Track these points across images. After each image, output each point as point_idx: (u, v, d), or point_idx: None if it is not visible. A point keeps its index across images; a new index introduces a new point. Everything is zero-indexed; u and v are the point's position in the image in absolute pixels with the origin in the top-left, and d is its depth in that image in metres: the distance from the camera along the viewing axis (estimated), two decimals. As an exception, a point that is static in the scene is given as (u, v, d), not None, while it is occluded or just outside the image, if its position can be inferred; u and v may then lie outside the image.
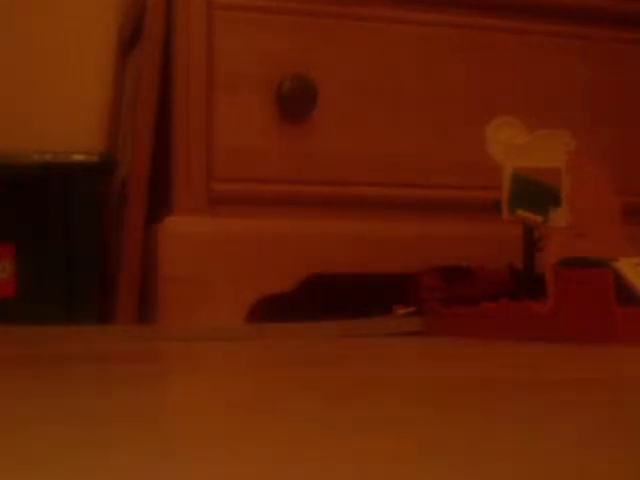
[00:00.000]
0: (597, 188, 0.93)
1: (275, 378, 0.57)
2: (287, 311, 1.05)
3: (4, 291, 1.11)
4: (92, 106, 1.37)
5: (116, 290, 1.10)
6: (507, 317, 0.90)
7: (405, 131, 1.15)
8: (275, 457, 0.29)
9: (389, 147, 1.14)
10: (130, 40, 1.28)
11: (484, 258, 1.07)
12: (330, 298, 1.16)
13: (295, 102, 1.09)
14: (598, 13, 1.23)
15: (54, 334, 0.92)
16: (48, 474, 0.26)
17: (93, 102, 1.37)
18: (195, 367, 0.68)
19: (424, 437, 0.33)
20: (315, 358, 0.73)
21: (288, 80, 1.09)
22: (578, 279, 0.84)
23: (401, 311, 1.04)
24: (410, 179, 1.15)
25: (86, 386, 0.52)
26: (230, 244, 1.07)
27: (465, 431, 0.34)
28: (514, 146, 0.94)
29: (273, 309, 1.08)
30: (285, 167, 1.10)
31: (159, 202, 1.10)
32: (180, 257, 1.05)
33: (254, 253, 1.08)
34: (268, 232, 1.09)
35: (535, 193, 0.92)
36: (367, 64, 1.14)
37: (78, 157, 1.15)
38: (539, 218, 0.92)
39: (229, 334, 0.96)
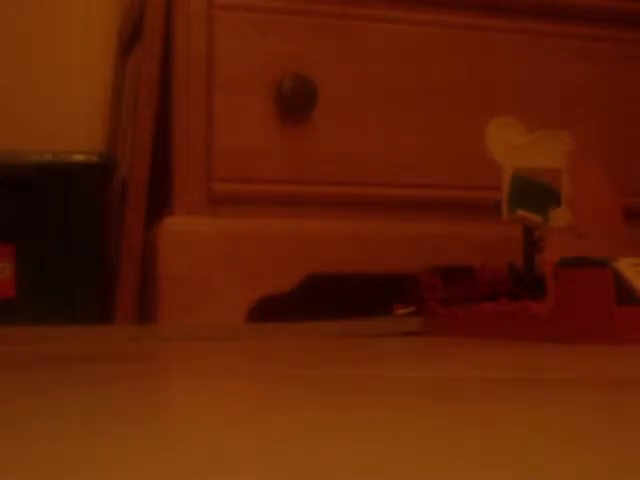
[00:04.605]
0: (597, 188, 0.93)
1: (275, 378, 0.57)
2: (287, 311, 1.05)
3: (4, 291, 1.11)
4: (92, 106, 1.37)
5: (116, 290, 1.10)
6: (507, 317, 0.90)
7: (405, 131, 1.15)
8: (273, 456, 0.29)
9: (389, 147, 1.14)
10: (130, 40, 1.28)
11: (484, 258, 1.07)
12: (330, 298, 1.16)
13: (295, 102, 1.09)
14: (598, 13, 1.23)
15: (54, 334, 0.92)
16: (46, 474, 0.26)
17: (93, 102, 1.37)
18: (195, 367, 0.68)
19: (423, 437, 0.33)
20: (315, 358, 0.73)
21: (288, 80, 1.09)
22: (578, 279, 0.84)
23: (401, 311, 1.04)
24: (410, 179, 1.15)
25: (86, 386, 0.52)
26: (230, 244, 1.07)
27: (465, 431, 0.34)
28: (514, 146, 0.94)
29: (273, 309, 1.08)
30: (285, 167, 1.10)
31: (159, 202, 1.10)
32: (180, 257, 1.05)
33: (254, 253, 1.08)
34: (268, 232, 1.09)
35: (535, 193, 0.92)
36: (367, 64, 1.14)
37: (78, 157, 1.15)
38: (539, 218, 0.92)
39: (229, 334, 0.96)
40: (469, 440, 0.32)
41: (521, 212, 0.93)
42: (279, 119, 1.10)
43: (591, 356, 0.71)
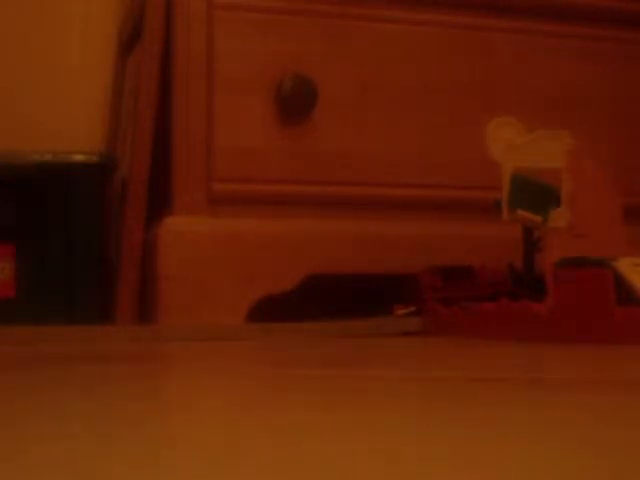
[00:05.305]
0: (597, 188, 0.93)
1: (275, 378, 0.57)
2: (287, 311, 1.05)
3: (4, 291, 1.11)
4: (92, 106, 1.37)
5: (116, 290, 1.11)
6: (507, 317, 0.90)
7: (405, 131, 1.15)
8: (273, 456, 0.29)
9: (389, 147, 1.14)
10: (130, 40, 1.28)
11: (484, 258, 1.07)
12: (330, 298, 1.16)
13: (295, 102, 1.09)
14: (598, 13, 1.23)
15: (54, 334, 0.92)
16: (47, 474, 0.26)
17: (93, 102, 1.37)
18: (195, 367, 0.68)
19: (423, 437, 0.33)
20: (315, 358, 0.73)
21: (288, 80, 1.09)
22: (578, 279, 0.84)
23: (401, 311, 1.04)
24: (410, 179, 1.15)
25: (86, 386, 0.52)
26: (230, 244, 1.07)
27: (464, 431, 0.34)
28: (514, 146, 0.94)
29: (273, 309, 1.08)
30: (285, 167, 1.10)
31: (159, 202, 1.10)
32: (180, 257, 1.05)
33: (254, 253, 1.08)
34: (268, 232, 1.09)
35: (535, 193, 0.92)
36: (367, 64, 1.14)
37: (78, 157, 1.15)
38: (539, 218, 0.92)
39: (229, 334, 0.96)
40: (468, 440, 0.32)
41: (521, 212, 0.93)
42: (279, 119, 1.10)
43: (591, 356, 0.71)
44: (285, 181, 1.11)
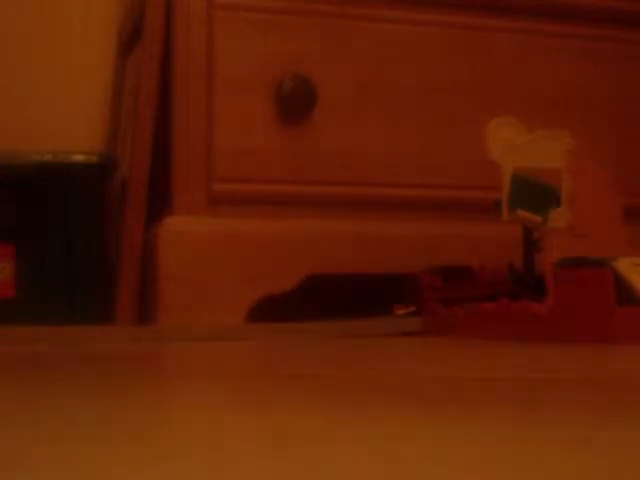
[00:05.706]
0: (597, 188, 0.93)
1: (274, 378, 0.57)
2: (287, 311, 1.05)
3: (4, 291, 1.11)
4: (92, 106, 1.37)
5: (116, 290, 1.10)
6: (507, 317, 0.90)
7: (405, 131, 1.15)
8: (273, 456, 0.29)
9: (389, 147, 1.14)
10: (130, 40, 1.28)
11: (484, 258, 1.07)
12: (330, 298, 1.16)
13: (295, 102, 1.09)
14: (598, 13, 1.23)
15: (54, 334, 0.92)
16: (47, 474, 0.26)
17: (93, 102, 1.37)
18: (195, 367, 0.68)
19: (423, 437, 0.33)
20: (315, 358, 0.73)
21: (288, 80, 1.09)
22: (578, 279, 0.84)
23: (401, 311, 1.04)
24: (410, 179, 1.15)
25: (86, 386, 0.52)
26: (230, 244, 1.07)
27: (464, 431, 0.34)
28: (514, 146, 0.94)
29: (273, 309, 1.08)
30: (285, 167, 1.10)
31: (159, 202, 1.10)
32: (180, 257, 1.05)
33: (254, 253, 1.08)
34: (268, 232, 1.09)
35: (535, 193, 0.92)
36: (367, 64, 1.14)
37: (78, 157, 1.15)
38: (539, 218, 0.92)
39: (229, 334, 0.96)
40: (468, 440, 0.32)
41: (521, 212, 0.93)
42: (279, 119, 1.10)
43: (591, 356, 0.71)
44: (285, 181, 1.11)
